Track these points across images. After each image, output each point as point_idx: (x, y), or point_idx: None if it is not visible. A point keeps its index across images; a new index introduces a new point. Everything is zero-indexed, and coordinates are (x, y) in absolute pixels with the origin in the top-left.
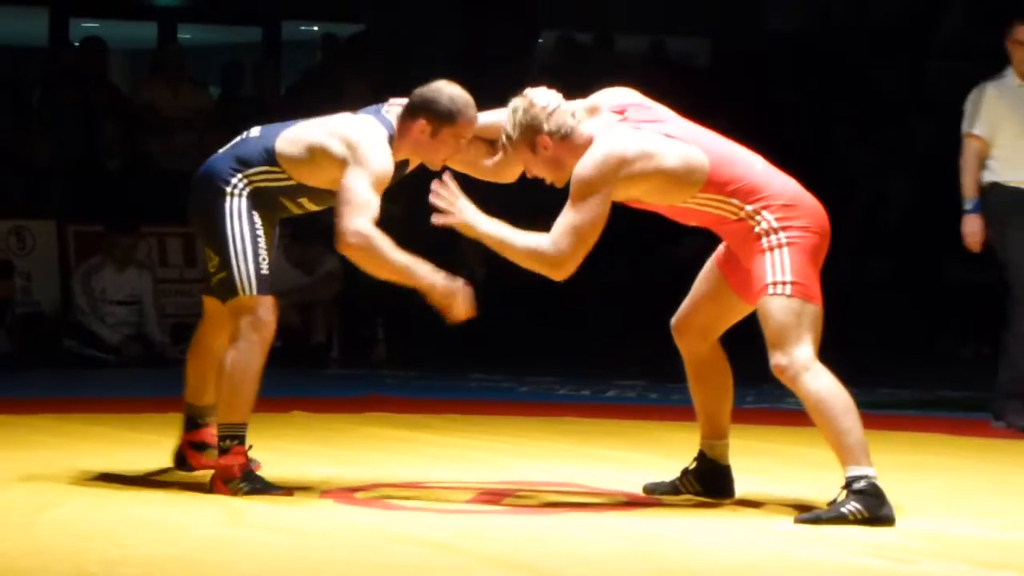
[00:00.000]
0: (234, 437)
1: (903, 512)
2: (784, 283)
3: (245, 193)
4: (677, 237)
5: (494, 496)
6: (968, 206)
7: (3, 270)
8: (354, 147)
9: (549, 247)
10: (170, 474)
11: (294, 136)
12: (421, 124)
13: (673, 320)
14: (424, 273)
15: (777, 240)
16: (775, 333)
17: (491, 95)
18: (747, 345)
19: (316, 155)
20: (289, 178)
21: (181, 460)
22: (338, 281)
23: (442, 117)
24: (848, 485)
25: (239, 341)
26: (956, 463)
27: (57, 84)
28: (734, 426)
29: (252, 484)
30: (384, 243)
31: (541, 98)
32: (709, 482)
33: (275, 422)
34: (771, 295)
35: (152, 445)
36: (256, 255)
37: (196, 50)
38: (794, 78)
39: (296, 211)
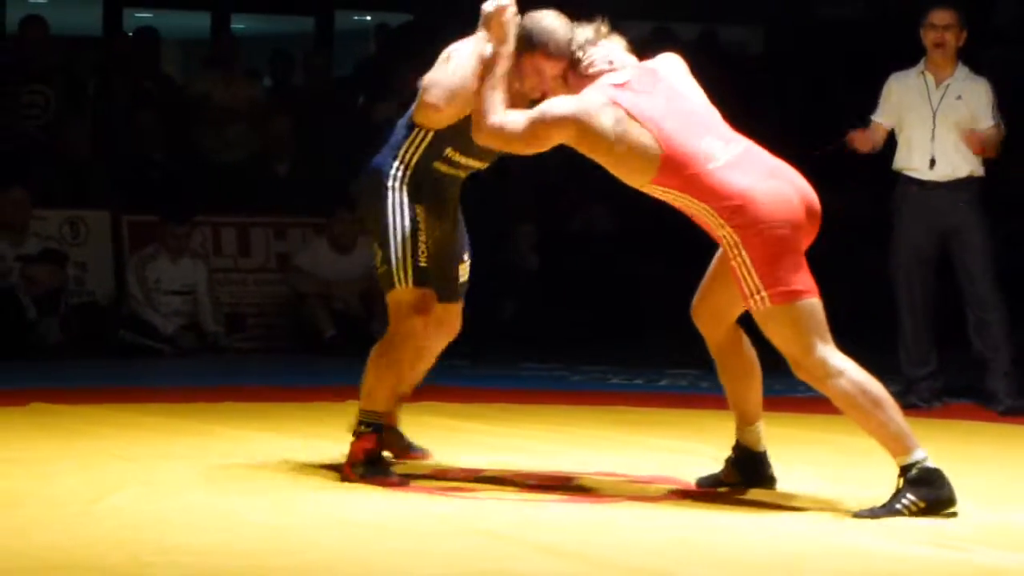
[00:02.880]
0: (370, 424)
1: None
2: (759, 293)
3: (405, 182)
4: None
5: (547, 485)
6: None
7: (57, 260)
8: (449, 55)
9: (497, 117)
10: (227, 464)
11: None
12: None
13: (692, 304)
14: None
15: (737, 248)
16: (779, 347)
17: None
18: None
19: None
20: (427, 133)
21: None
22: None
23: (534, 43)
24: (902, 475)
25: (392, 333)
26: (1010, 453)
27: (111, 74)
28: (787, 414)
29: (368, 469)
30: (454, 80)
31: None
32: (746, 470)
33: (330, 411)
34: (755, 308)
35: (207, 434)
36: (414, 247)
37: (248, 40)
38: (846, 66)
39: (460, 174)
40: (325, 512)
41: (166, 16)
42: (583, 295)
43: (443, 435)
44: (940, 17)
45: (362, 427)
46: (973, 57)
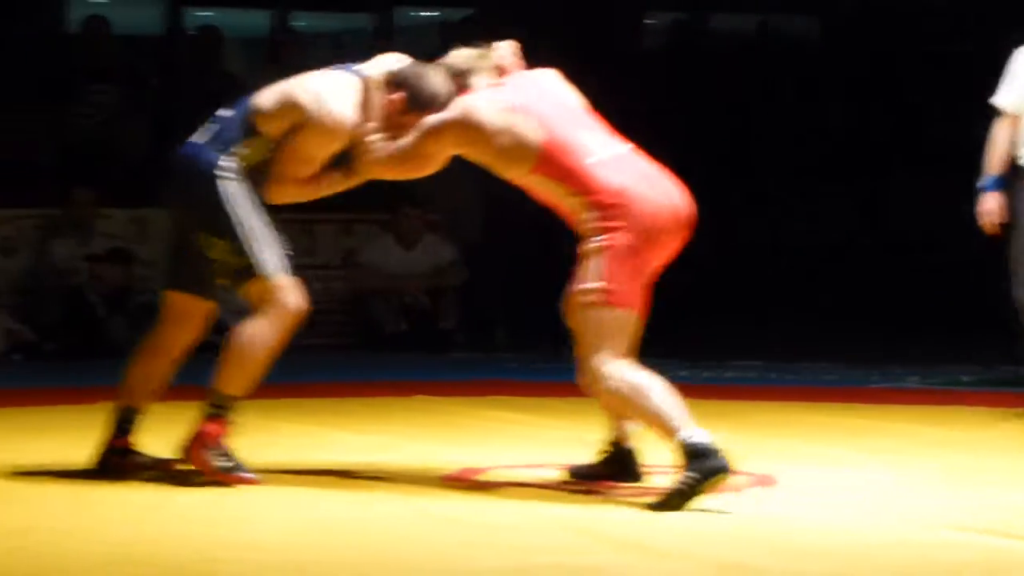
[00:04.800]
0: (224, 408)
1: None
2: (593, 289)
3: (240, 174)
4: (791, 221)
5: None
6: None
7: (123, 258)
8: (319, 97)
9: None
10: (293, 459)
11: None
12: (399, 98)
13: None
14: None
15: (597, 243)
16: (576, 339)
17: (597, 77)
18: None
19: (284, 106)
20: (272, 142)
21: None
22: (465, 269)
23: (420, 102)
24: (679, 456)
25: (259, 318)
26: None
27: (173, 72)
28: (849, 404)
29: (225, 460)
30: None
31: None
32: (615, 465)
33: (397, 406)
34: (576, 298)
35: (272, 431)
36: (275, 236)
37: (308, 37)
38: (905, 55)
39: None
40: (395, 505)
41: (227, 14)
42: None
43: (511, 429)
44: None
45: (216, 409)
46: None
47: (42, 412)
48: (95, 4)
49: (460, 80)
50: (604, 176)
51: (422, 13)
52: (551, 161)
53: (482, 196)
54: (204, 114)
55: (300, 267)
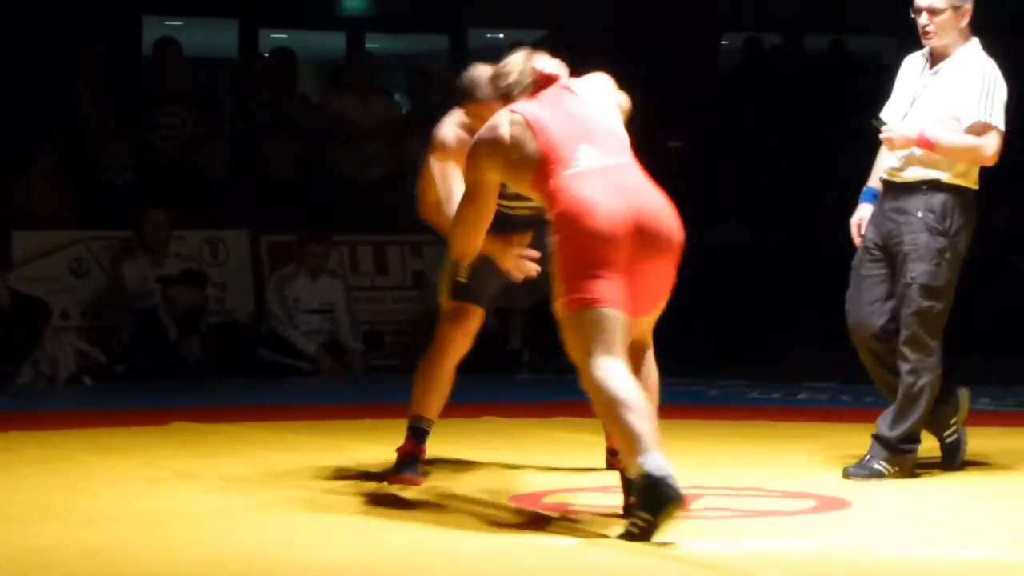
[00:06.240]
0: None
1: None
2: (561, 299)
3: None
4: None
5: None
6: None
7: (196, 280)
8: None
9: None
10: (366, 481)
11: None
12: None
13: None
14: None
15: (556, 249)
16: (568, 352)
17: (672, 96)
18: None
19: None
20: None
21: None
22: (540, 290)
23: (461, 92)
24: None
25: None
26: None
27: (247, 95)
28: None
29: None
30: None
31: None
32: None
33: (465, 427)
34: (557, 312)
35: (346, 451)
36: (455, 264)
37: (383, 59)
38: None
39: (507, 212)
40: (462, 528)
41: (301, 36)
42: (719, 309)
43: (578, 450)
44: None
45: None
46: None
47: (112, 433)
48: (168, 27)
49: (506, 91)
50: (568, 188)
51: (497, 35)
52: (543, 176)
53: None
54: (278, 136)
55: (372, 288)
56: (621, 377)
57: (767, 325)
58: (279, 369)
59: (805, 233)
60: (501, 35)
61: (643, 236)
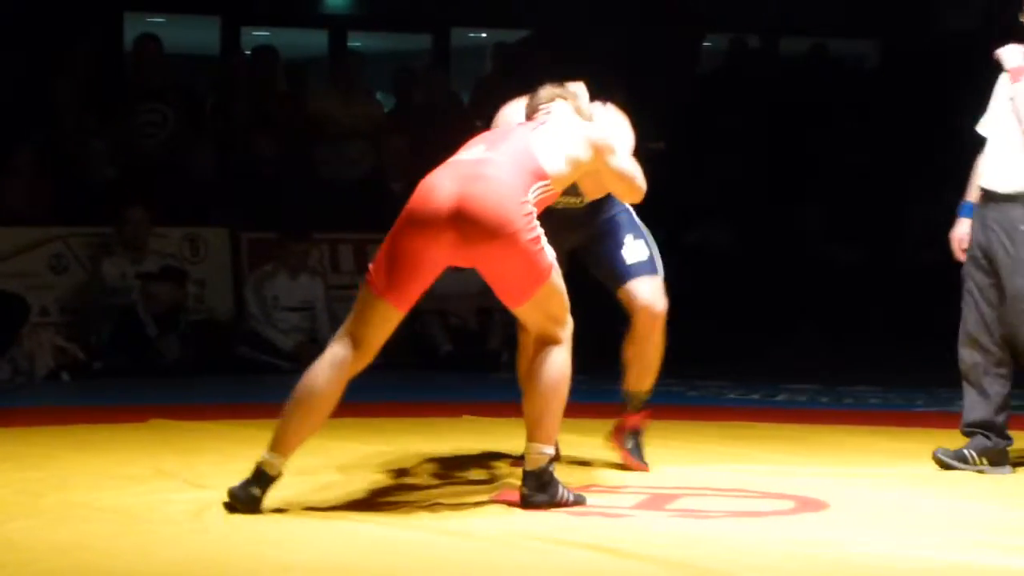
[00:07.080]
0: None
1: None
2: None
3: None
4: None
5: (663, 500)
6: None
7: (176, 277)
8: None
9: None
10: (345, 479)
11: None
12: None
13: None
14: None
15: None
16: None
17: (655, 97)
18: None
19: None
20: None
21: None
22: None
23: None
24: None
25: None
26: None
27: (229, 92)
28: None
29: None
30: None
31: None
32: None
33: (444, 426)
34: None
35: (325, 450)
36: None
37: (365, 57)
38: (968, 79)
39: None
40: (440, 526)
41: (283, 34)
42: (698, 310)
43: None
44: None
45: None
46: None
47: (89, 430)
48: (149, 23)
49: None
50: (425, 179)
51: (480, 35)
52: None
53: None
54: (259, 133)
55: (352, 287)
56: (315, 367)
57: (747, 326)
58: (258, 367)
59: (786, 235)
60: (484, 35)
61: (463, 220)
